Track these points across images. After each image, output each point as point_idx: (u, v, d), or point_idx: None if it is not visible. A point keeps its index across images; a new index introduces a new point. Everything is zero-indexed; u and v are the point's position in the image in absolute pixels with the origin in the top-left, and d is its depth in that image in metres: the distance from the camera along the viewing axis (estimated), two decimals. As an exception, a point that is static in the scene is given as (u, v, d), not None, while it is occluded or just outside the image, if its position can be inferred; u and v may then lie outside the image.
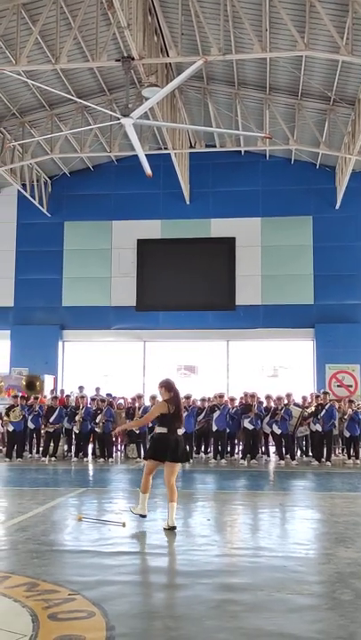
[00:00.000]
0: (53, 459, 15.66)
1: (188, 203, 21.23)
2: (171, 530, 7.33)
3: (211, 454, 16.37)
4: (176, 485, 7.72)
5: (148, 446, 7.97)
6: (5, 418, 16.12)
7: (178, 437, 7.65)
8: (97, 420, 15.88)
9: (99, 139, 18.89)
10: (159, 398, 8.39)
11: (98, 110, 15.70)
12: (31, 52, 13.29)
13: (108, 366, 21.92)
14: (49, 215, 21.81)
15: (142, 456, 15.71)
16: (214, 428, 15.88)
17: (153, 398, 15.52)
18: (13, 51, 13.39)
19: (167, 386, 7.70)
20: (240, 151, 20.52)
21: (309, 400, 16.95)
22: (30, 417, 16.18)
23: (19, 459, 15.71)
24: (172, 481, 7.57)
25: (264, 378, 21.60)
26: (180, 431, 7.76)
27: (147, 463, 7.84)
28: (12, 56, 13.60)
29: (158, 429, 7.70)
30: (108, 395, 17.78)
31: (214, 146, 19.63)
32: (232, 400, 16.59)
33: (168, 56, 14.31)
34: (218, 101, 18.15)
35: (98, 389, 18.42)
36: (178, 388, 7.81)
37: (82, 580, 5.35)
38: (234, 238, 21.20)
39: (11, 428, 15.91)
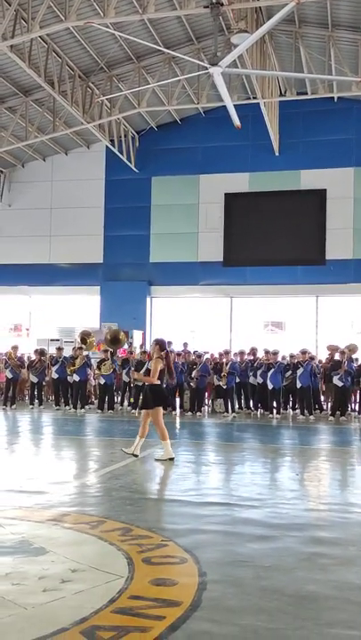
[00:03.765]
0: (143, 411, 16.04)
1: (277, 154, 20.64)
2: (163, 461, 8.64)
3: (298, 410, 16.29)
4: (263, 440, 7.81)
5: (146, 398, 8.88)
6: (97, 371, 16.67)
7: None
8: (192, 375, 16.13)
9: (186, 90, 18.59)
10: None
11: (185, 60, 15.41)
12: (119, 3, 13.14)
13: (194, 322, 22.04)
14: (136, 171, 21.86)
15: (229, 410, 15.87)
16: (298, 384, 15.76)
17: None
18: (101, 2, 13.28)
19: (161, 344, 8.87)
20: (333, 98, 19.60)
21: None
22: (125, 370, 16.67)
23: (110, 410, 16.25)
24: (163, 423, 8.88)
25: (354, 334, 21.07)
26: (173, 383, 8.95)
27: (155, 413, 8.79)
28: (99, 8, 13.50)
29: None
30: (196, 352, 17.95)
31: (306, 93, 18.86)
32: (312, 358, 16.37)
33: None
34: (310, 45, 17.34)
35: (186, 345, 18.62)
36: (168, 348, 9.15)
37: (174, 527, 5.50)
38: (325, 190, 20.49)
39: (102, 381, 16.45)
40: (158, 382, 8.87)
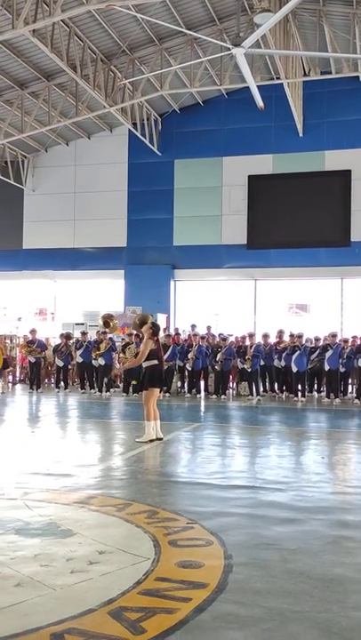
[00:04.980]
0: (167, 395, 16.15)
1: (301, 135, 20.39)
2: (151, 442, 8.81)
3: (323, 393, 16.23)
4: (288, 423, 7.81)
5: (143, 379, 9.11)
6: (121, 355, 16.76)
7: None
8: (217, 358, 16.15)
9: (209, 72, 18.41)
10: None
11: (208, 42, 15.28)
12: (140, -16, 13.02)
13: (219, 305, 22.02)
14: (159, 154, 21.77)
15: (253, 393, 15.88)
16: (326, 367, 15.68)
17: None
18: (122, -16, 13.17)
19: (154, 327, 9.18)
20: (358, 77, 19.25)
21: None
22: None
23: (135, 394, 16.36)
24: (154, 404, 9.08)
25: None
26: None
27: (148, 393, 9.00)
28: (121, -10, 13.39)
29: (149, 362, 8.97)
30: (221, 335, 17.94)
31: (330, 72, 18.54)
32: (345, 341, 16.25)
33: (281, -23, 13.51)
34: (334, 24, 17.01)
35: (209, 328, 18.62)
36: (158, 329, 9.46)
37: (199, 510, 5.55)
38: (350, 171, 20.20)
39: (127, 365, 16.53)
40: (155, 362, 9.05)
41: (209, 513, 5.43)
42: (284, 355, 16.18)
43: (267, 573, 4.07)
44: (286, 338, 16.71)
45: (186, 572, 4.08)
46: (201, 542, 4.68)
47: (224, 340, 16.73)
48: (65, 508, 5.53)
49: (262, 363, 16.36)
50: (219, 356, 16.19)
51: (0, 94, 19.03)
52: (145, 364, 9.07)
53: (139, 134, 20.42)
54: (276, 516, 5.39)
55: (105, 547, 4.52)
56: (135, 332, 17.57)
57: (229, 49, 10.85)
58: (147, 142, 20.98)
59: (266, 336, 17.20)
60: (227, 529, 4.97)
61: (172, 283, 22.01)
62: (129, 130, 20.49)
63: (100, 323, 20.20)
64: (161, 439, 8.97)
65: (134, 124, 20.17)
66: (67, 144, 22.67)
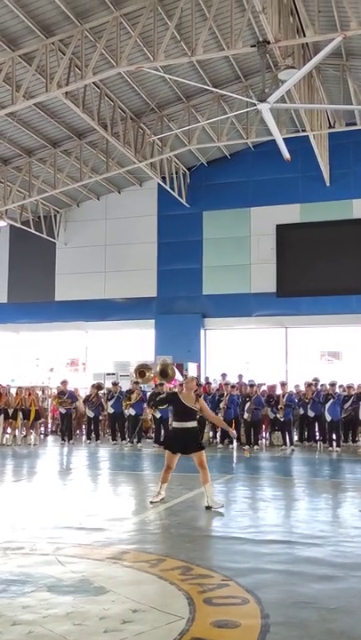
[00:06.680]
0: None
1: (327, 184, 20.59)
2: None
3: (359, 443, 15.89)
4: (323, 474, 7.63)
5: (195, 438, 8.37)
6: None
7: None
8: (246, 408, 16.00)
9: (235, 126, 18.84)
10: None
11: (234, 98, 15.68)
12: (167, 46, 13.52)
13: (249, 353, 21.94)
14: (188, 206, 22.17)
15: (287, 443, 15.63)
16: (361, 416, 15.41)
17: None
18: (151, 47, 13.70)
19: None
20: (382, 127, 19.51)
21: None
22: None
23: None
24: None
25: None
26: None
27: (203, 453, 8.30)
28: (149, 53, 13.92)
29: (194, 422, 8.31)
30: (251, 382, 17.81)
31: (355, 124, 18.84)
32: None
33: (305, 36, 13.89)
34: (358, 77, 17.37)
35: (240, 377, 18.52)
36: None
37: (234, 566, 5.43)
38: (378, 218, 20.29)
39: (158, 415, 16.47)
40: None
41: (244, 569, 5.31)
42: (310, 404, 16.05)
43: (306, 634, 3.95)
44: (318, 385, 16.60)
45: (222, 632, 3.98)
46: (237, 600, 4.58)
47: (252, 386, 16.58)
48: (98, 564, 5.47)
49: (302, 411, 16.24)
50: (247, 405, 16.00)
51: (34, 153, 19.72)
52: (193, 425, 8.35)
53: (168, 187, 20.87)
54: (314, 572, 5.24)
55: (138, 605, 4.44)
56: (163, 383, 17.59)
57: (255, 104, 11.14)
58: (175, 195, 21.41)
59: (297, 386, 17.03)
60: (263, 586, 4.85)
61: (202, 331, 22.06)
62: (158, 183, 20.97)
63: (135, 373, 20.29)
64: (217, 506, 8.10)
65: (163, 178, 20.64)
66: (98, 198, 23.26)
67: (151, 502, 8.25)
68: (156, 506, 8.11)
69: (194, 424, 8.30)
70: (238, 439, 16.69)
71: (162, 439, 15.38)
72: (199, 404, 8.44)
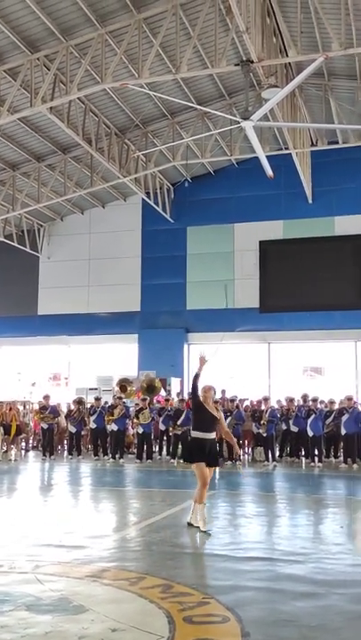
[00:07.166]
0: (181, 460, 15.91)
1: (310, 202, 20.82)
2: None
3: (341, 458, 15.93)
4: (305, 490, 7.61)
5: (212, 451, 7.93)
6: (135, 420, 16.65)
7: None
8: (227, 423, 15.94)
9: (219, 143, 19.02)
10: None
11: (218, 115, 15.84)
12: (152, 64, 13.64)
13: (232, 368, 21.94)
14: (172, 221, 22.27)
15: (269, 459, 15.62)
16: (343, 431, 15.45)
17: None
18: (135, 65, 13.82)
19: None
20: (364, 145, 19.79)
21: None
22: (161, 418, 16.64)
23: (149, 460, 16.16)
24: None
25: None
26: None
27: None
28: (134, 70, 14.04)
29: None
30: (234, 397, 17.80)
31: (337, 142, 19.11)
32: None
33: (287, 56, 14.12)
34: (339, 97, 17.65)
35: (224, 392, 18.50)
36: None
37: (215, 583, 5.40)
38: (360, 235, 20.50)
39: (140, 430, 16.41)
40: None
41: (225, 587, 5.28)
42: (292, 419, 16.11)
43: (286, 653, 3.93)
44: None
45: (202, 651, 3.94)
46: (217, 619, 4.55)
47: (232, 401, 16.59)
48: (77, 582, 5.41)
49: (284, 427, 16.27)
50: (228, 420, 15.92)
51: (18, 167, 19.71)
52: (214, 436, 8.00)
53: (152, 203, 20.96)
54: (295, 590, 5.22)
55: (118, 624, 4.39)
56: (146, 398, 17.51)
57: (239, 122, 11.25)
58: (160, 210, 21.50)
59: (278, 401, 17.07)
60: (244, 604, 4.82)
61: (185, 346, 22.06)
62: (142, 199, 21.05)
63: (117, 387, 20.21)
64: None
65: (148, 194, 20.73)
66: (82, 213, 23.28)
67: (190, 524, 7.72)
68: (190, 528, 7.67)
69: (214, 435, 7.94)
70: (221, 455, 16.62)
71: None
72: (219, 413, 8.20)
